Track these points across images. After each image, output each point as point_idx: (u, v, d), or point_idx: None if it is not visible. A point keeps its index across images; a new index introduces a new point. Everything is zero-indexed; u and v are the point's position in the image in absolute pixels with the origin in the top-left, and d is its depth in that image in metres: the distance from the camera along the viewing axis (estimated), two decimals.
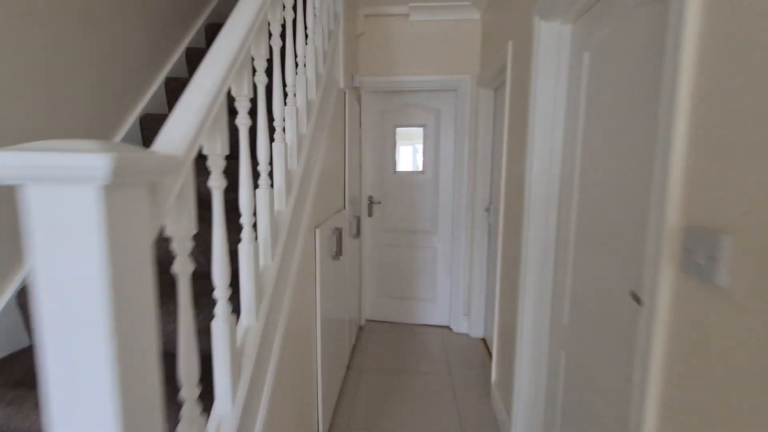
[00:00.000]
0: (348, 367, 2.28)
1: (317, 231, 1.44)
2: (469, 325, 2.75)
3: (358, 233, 2.40)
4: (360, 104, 2.65)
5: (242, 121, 0.84)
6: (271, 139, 1.11)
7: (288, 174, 1.14)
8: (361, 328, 2.82)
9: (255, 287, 0.88)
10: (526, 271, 1.47)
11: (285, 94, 1.33)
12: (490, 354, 2.48)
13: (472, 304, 2.70)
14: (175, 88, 1.83)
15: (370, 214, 2.85)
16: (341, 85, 1.92)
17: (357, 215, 2.42)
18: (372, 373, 2.24)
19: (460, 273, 2.74)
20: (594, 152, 1.14)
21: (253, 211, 0.88)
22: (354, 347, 2.53)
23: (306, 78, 1.36)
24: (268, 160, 0.99)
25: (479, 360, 2.43)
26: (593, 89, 1.17)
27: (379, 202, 2.84)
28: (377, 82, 2.62)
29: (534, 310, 1.47)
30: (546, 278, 1.45)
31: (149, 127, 1.69)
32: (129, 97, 1.66)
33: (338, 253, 1.79)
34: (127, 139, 1.63)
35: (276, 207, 1.11)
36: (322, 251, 1.52)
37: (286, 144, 1.12)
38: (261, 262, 0.99)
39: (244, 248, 0.86)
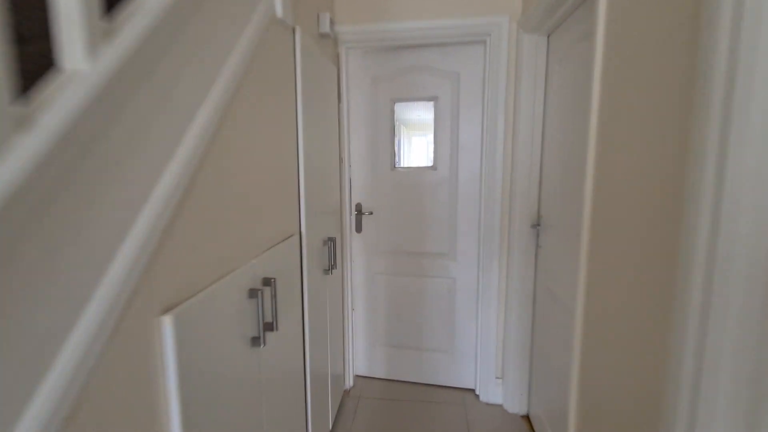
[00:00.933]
0: None
1: (167, 319, 0.59)
2: (504, 393, 1.86)
3: (332, 265, 1.55)
4: (339, 67, 1.79)
5: None
6: None
7: None
8: (347, 393, 1.98)
9: None
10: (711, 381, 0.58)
11: None
12: None
13: (509, 363, 1.82)
14: None
15: (358, 230, 1.99)
16: (278, 12, 1.05)
17: (331, 237, 1.57)
18: None
19: (491, 315, 1.85)
20: None
21: None
22: None
23: None
24: None
25: None
26: None
27: (371, 213, 1.97)
28: (364, 32, 1.74)
29: None
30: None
31: None
32: None
33: (272, 327, 0.94)
34: None
35: None
36: (189, 360, 0.67)
37: None
38: None
39: None
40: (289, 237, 1.17)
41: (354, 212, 1.97)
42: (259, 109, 0.95)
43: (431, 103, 1.86)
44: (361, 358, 2.09)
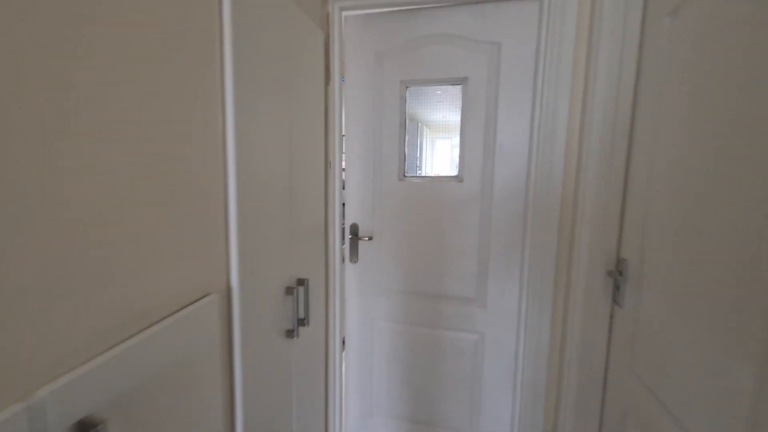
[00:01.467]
0: None
1: None
2: None
3: (302, 321, 1.04)
4: (328, 34, 1.28)
5: None
6: None
7: None
8: None
9: None
10: None
11: None
12: None
13: None
14: None
15: (353, 260, 1.47)
16: None
17: (302, 279, 1.06)
18: None
19: (540, 389, 1.29)
20: None
21: None
22: None
23: None
24: None
25: None
26: None
27: (371, 238, 1.45)
28: None
29: None
30: None
31: None
32: None
33: None
34: None
35: None
36: None
37: None
38: None
39: None
40: (196, 300, 0.67)
41: (349, 235, 1.45)
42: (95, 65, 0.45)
43: (458, 88, 1.33)
44: (352, 430, 1.57)
